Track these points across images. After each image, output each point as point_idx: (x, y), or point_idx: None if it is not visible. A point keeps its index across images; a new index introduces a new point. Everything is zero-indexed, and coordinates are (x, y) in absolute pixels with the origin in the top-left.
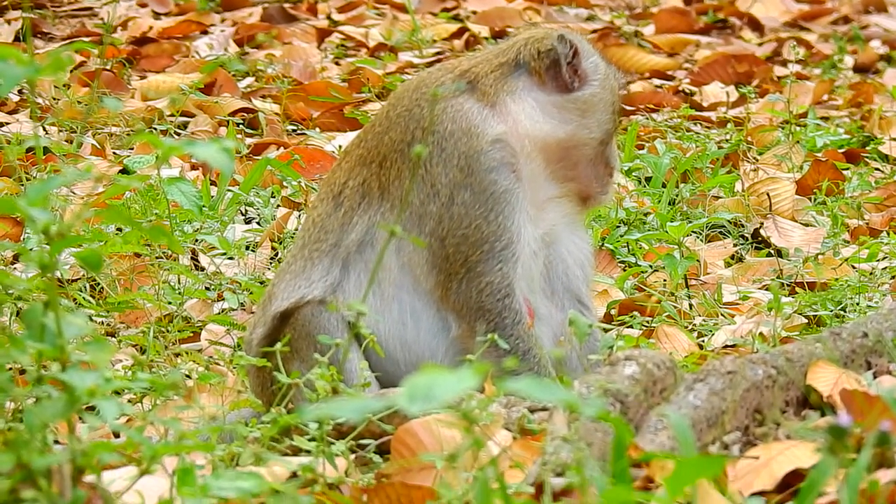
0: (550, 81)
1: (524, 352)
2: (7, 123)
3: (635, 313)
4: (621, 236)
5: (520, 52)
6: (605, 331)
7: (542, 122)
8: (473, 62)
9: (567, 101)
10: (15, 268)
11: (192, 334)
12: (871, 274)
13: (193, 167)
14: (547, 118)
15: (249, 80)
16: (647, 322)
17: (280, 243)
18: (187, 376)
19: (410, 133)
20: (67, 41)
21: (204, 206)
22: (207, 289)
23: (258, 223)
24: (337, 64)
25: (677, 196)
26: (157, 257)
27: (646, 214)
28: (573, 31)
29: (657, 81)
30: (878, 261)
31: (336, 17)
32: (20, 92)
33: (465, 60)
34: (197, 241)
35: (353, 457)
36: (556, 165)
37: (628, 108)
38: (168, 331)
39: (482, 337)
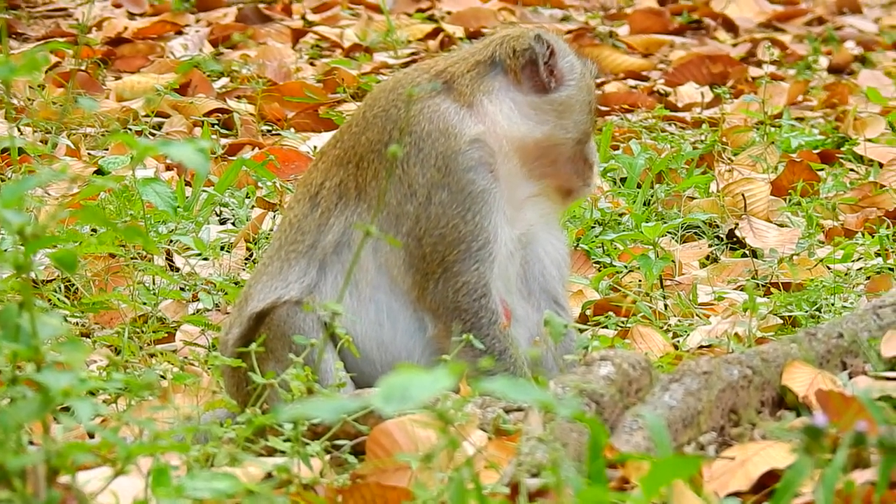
0: (527, 81)
1: (500, 352)
2: None
3: (610, 314)
4: (596, 237)
5: (496, 51)
6: (581, 331)
7: (520, 123)
8: (449, 62)
9: (544, 102)
10: None
11: (166, 335)
12: (846, 275)
13: (168, 168)
14: (524, 119)
15: (224, 80)
16: (623, 322)
17: (255, 244)
18: (162, 377)
19: (387, 133)
20: (42, 41)
21: (179, 207)
22: (182, 289)
23: (233, 224)
24: (312, 64)
25: (652, 197)
26: (131, 258)
27: (621, 215)
28: (549, 31)
29: (632, 82)
30: (852, 261)
31: (311, 17)
32: None
33: (441, 60)
34: (172, 241)
35: (328, 457)
36: (534, 164)
37: (603, 108)
38: (143, 331)
39: (458, 337)
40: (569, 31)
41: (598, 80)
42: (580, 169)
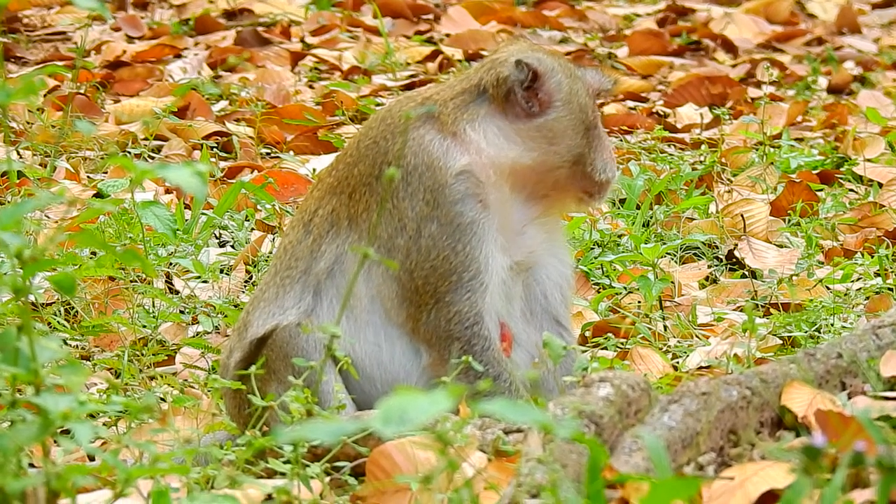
0: (511, 107)
1: (495, 377)
2: None
3: (610, 335)
4: (595, 258)
5: (482, 77)
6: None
7: (507, 150)
8: (436, 90)
9: (530, 128)
10: None
11: (166, 357)
12: (845, 295)
13: (167, 191)
14: (511, 145)
15: (223, 103)
16: (622, 344)
17: (254, 266)
18: (162, 399)
19: (378, 167)
20: (41, 65)
21: (178, 230)
22: (182, 312)
23: (232, 246)
24: (311, 87)
25: (651, 218)
26: (131, 281)
27: (620, 236)
28: (539, 51)
29: (631, 103)
30: (852, 282)
31: (309, 40)
32: None
33: (431, 88)
34: (171, 264)
35: (328, 479)
36: (533, 188)
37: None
38: (143, 354)
39: (456, 359)
40: (568, 53)
41: (599, 102)
42: (585, 185)
